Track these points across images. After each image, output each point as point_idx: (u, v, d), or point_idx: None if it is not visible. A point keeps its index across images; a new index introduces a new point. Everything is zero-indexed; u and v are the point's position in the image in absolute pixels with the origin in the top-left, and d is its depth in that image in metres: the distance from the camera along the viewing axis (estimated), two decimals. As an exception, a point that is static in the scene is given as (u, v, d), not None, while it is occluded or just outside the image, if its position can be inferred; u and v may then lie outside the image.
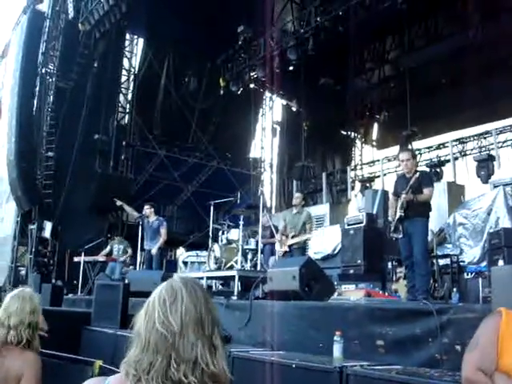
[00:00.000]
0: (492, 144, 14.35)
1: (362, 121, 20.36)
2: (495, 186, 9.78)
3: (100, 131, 14.92)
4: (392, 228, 6.06)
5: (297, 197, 9.32)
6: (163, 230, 10.00)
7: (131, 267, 11.36)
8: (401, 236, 6.03)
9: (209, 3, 13.88)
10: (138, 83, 17.22)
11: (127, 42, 17.33)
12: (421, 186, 5.98)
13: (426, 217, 6.05)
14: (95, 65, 14.65)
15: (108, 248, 11.72)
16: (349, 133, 20.96)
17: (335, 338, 3.87)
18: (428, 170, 13.93)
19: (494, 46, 13.72)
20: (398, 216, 5.95)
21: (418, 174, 6.01)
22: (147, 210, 10.33)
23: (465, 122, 15.95)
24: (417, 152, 15.62)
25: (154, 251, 9.92)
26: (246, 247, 8.57)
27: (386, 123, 19.35)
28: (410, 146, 15.07)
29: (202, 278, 8.37)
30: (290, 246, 8.66)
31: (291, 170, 19.43)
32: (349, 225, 9.14)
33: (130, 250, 11.64)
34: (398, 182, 6.41)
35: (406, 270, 6.41)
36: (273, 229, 9.33)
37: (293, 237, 8.69)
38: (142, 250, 10.40)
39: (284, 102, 20.55)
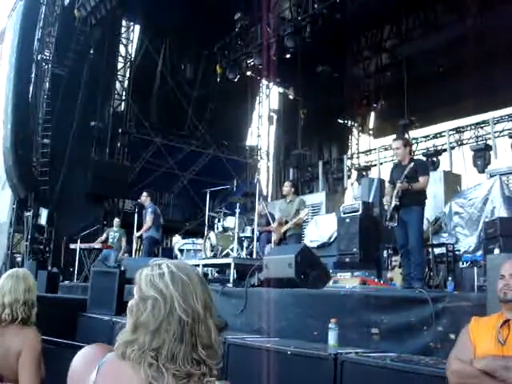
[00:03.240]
0: (489, 134, 14.35)
1: (359, 109, 20.28)
2: (491, 176, 9.82)
3: (96, 118, 14.89)
4: (387, 216, 6.07)
5: (285, 185, 9.15)
6: (147, 217, 10.02)
7: (126, 255, 11.36)
8: (396, 224, 6.04)
9: (206, -10, 13.80)
10: (135, 70, 17.13)
11: (123, 29, 17.20)
12: (416, 174, 5.97)
13: (421, 205, 6.05)
14: (91, 51, 14.57)
15: (104, 235, 11.73)
16: (346, 121, 20.89)
17: (330, 325, 3.90)
18: (424, 159, 13.93)
19: (492, 35, 13.64)
20: (393, 205, 5.95)
21: (412, 163, 5.99)
22: (143, 197, 10.32)
23: (462, 112, 15.91)
24: (413, 141, 15.64)
25: (136, 235, 10.14)
26: (241, 235, 8.59)
27: (382, 112, 19.31)
28: (405, 135, 15.04)
29: (197, 266, 8.39)
30: (284, 234, 8.64)
31: (288, 158, 19.44)
32: (345, 213, 9.18)
33: (124, 240, 11.61)
34: (394, 171, 6.41)
35: (402, 259, 6.43)
36: (269, 217, 9.31)
37: (286, 222, 8.66)
38: (138, 237, 10.40)
39: (281, 89, 20.45)
